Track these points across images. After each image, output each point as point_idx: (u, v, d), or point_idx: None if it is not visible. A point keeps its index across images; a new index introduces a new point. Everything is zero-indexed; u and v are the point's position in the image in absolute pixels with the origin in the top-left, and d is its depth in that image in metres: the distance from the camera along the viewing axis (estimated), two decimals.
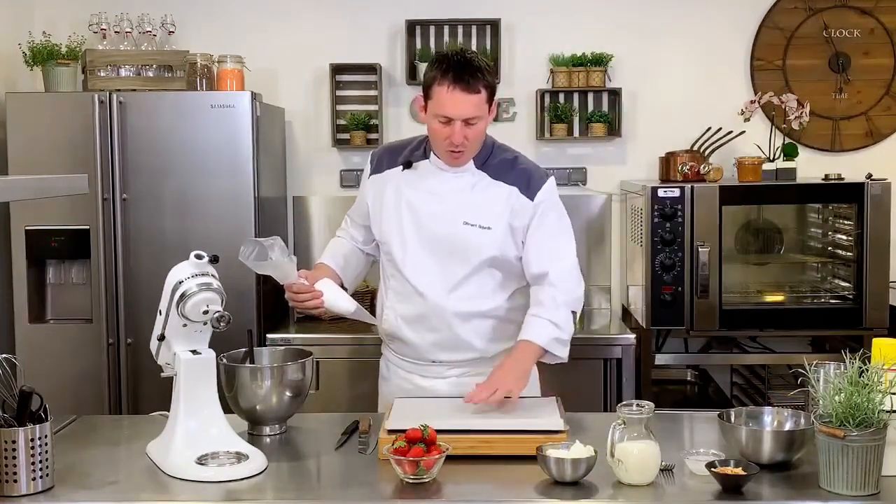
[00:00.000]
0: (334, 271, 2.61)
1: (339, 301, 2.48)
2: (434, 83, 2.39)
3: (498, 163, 2.52)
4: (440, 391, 2.55)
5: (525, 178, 2.51)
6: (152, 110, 3.68)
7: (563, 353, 2.44)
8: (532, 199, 2.49)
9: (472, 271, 2.49)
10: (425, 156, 2.56)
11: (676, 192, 3.66)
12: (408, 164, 2.56)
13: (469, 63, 2.38)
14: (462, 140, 2.40)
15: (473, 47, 4.26)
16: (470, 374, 2.55)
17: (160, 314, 2.11)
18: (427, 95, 2.44)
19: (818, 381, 1.98)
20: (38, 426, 1.90)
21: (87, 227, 3.69)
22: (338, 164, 4.35)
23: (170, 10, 4.02)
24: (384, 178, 2.59)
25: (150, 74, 3.76)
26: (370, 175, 2.64)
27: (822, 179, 3.79)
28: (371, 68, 4.25)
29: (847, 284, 3.80)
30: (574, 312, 2.49)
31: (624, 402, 1.98)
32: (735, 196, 3.72)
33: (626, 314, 4.12)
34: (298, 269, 2.42)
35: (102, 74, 3.73)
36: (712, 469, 1.89)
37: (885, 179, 3.69)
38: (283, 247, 2.31)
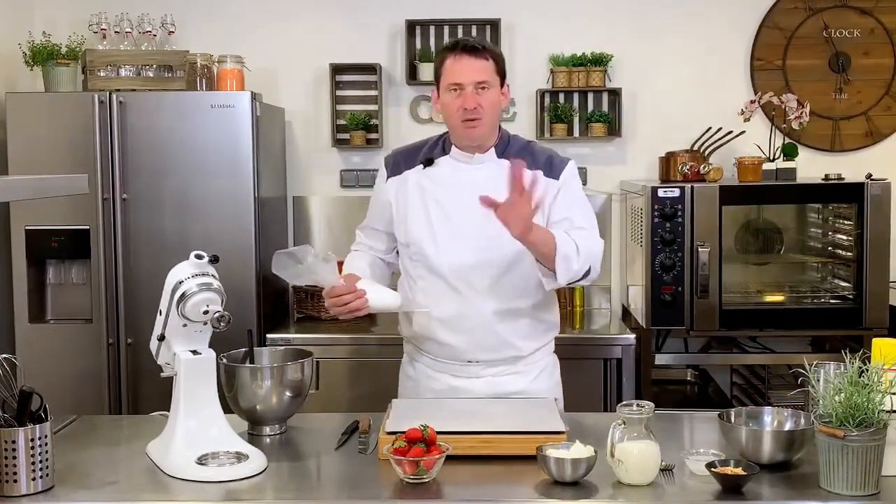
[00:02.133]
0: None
1: (384, 297, 2.42)
2: (443, 62, 2.48)
3: (517, 150, 2.53)
4: (475, 391, 2.53)
5: (547, 162, 2.53)
6: (152, 110, 3.68)
7: (562, 276, 2.39)
8: (557, 178, 2.51)
9: (509, 265, 2.46)
10: (445, 151, 2.56)
11: (676, 192, 3.66)
12: (429, 162, 2.56)
13: (474, 40, 2.51)
14: (475, 105, 2.42)
15: None
16: (506, 374, 2.55)
17: (160, 314, 2.11)
18: (438, 77, 2.50)
19: (818, 381, 1.98)
20: (38, 426, 1.90)
21: (87, 227, 3.69)
22: (338, 164, 4.35)
23: (170, 10, 4.02)
24: (404, 178, 2.58)
25: (150, 74, 3.76)
26: (388, 178, 2.62)
27: (822, 179, 3.78)
28: (371, 68, 4.26)
29: (847, 284, 3.80)
30: (587, 273, 2.45)
31: (624, 402, 1.97)
32: (735, 196, 3.72)
33: (626, 314, 4.12)
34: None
35: (102, 74, 3.73)
36: (712, 469, 1.89)
37: (885, 179, 3.69)
38: (314, 252, 2.26)
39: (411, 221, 2.55)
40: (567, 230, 2.46)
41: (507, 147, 2.55)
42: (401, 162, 2.61)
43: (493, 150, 2.54)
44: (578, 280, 2.46)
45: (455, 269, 2.49)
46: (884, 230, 3.67)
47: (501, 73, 2.50)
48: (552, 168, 2.52)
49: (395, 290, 2.54)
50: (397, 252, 2.66)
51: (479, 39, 2.51)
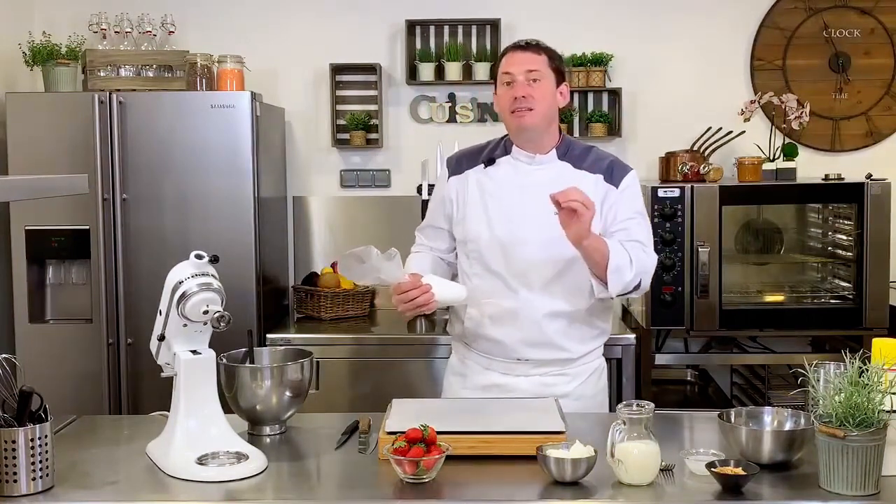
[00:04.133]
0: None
1: (450, 290, 2.41)
2: (500, 61, 2.54)
3: (578, 153, 2.55)
4: (522, 390, 2.54)
5: (608, 167, 2.54)
6: (152, 110, 3.68)
7: (613, 287, 2.41)
8: (617, 186, 2.52)
9: (565, 267, 2.47)
10: (506, 152, 2.58)
11: (676, 192, 3.66)
12: (490, 161, 2.58)
13: (531, 40, 2.56)
14: (525, 94, 2.44)
15: (473, 47, 4.27)
16: (554, 374, 2.56)
17: (160, 314, 2.11)
18: (496, 77, 2.54)
19: (818, 381, 1.98)
20: (38, 426, 1.89)
21: (87, 227, 3.69)
22: (338, 164, 4.35)
23: (170, 10, 4.02)
24: (465, 177, 2.61)
25: (150, 74, 3.77)
26: (449, 177, 2.64)
27: (822, 179, 3.79)
28: (371, 68, 4.25)
29: (847, 284, 3.80)
30: (638, 286, 2.46)
31: (624, 402, 1.97)
32: (735, 196, 3.72)
33: (626, 314, 4.12)
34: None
35: (102, 74, 3.73)
36: (712, 469, 1.89)
37: (885, 179, 3.69)
38: (378, 252, 2.26)
39: (470, 218, 2.56)
40: (623, 241, 2.47)
41: (568, 149, 2.56)
42: (463, 162, 2.64)
43: (553, 151, 2.55)
44: (629, 292, 2.48)
45: (512, 267, 2.50)
46: (884, 230, 3.67)
47: (557, 71, 2.53)
48: (612, 175, 2.53)
49: None
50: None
51: (536, 40, 2.56)
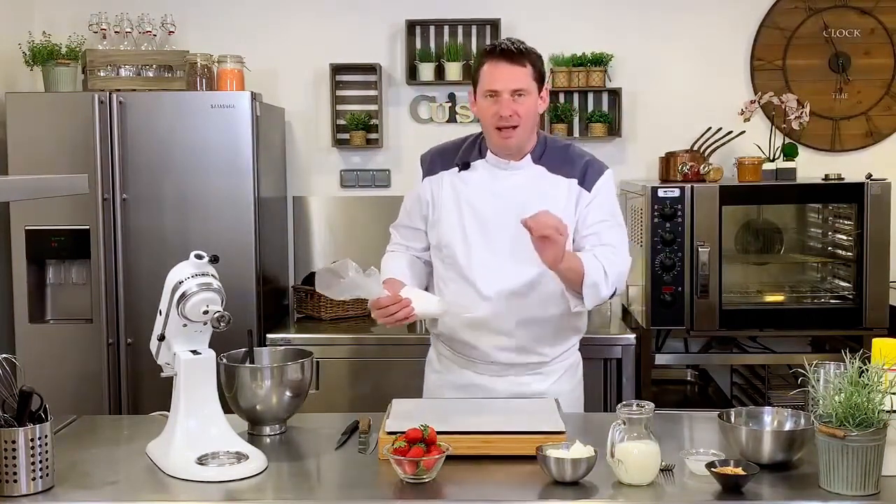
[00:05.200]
0: (403, 284, 2.49)
1: (429, 304, 2.40)
2: (482, 66, 2.45)
3: (554, 156, 2.52)
4: (497, 390, 2.54)
5: (583, 170, 2.51)
6: (152, 110, 3.68)
7: (589, 302, 2.38)
8: (589, 190, 2.49)
9: (540, 275, 2.43)
10: (481, 155, 2.55)
11: (676, 192, 3.65)
12: (465, 165, 2.55)
13: (513, 43, 2.44)
14: (511, 113, 2.40)
15: (473, 47, 4.27)
16: (529, 374, 2.56)
17: (160, 314, 2.11)
18: (476, 81, 2.48)
19: (818, 381, 1.98)
20: (38, 426, 1.90)
21: (87, 227, 3.69)
22: (338, 164, 4.35)
23: (170, 10, 4.02)
24: (439, 178, 2.57)
25: (150, 74, 3.77)
26: (423, 178, 2.61)
27: (822, 179, 3.78)
28: (371, 68, 4.26)
29: (847, 284, 3.80)
30: (613, 293, 2.43)
31: (624, 402, 1.97)
32: (735, 196, 3.72)
33: (626, 314, 4.12)
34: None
35: (102, 74, 3.73)
36: (712, 469, 1.89)
37: (885, 179, 3.68)
38: (356, 266, 2.24)
39: (444, 225, 2.54)
40: (593, 245, 2.45)
41: (543, 152, 2.52)
42: (437, 162, 2.60)
43: (529, 156, 2.51)
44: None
45: (485, 276, 2.48)
46: (884, 230, 3.67)
47: (539, 79, 2.46)
48: (585, 178, 2.50)
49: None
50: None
51: (518, 42, 2.45)
